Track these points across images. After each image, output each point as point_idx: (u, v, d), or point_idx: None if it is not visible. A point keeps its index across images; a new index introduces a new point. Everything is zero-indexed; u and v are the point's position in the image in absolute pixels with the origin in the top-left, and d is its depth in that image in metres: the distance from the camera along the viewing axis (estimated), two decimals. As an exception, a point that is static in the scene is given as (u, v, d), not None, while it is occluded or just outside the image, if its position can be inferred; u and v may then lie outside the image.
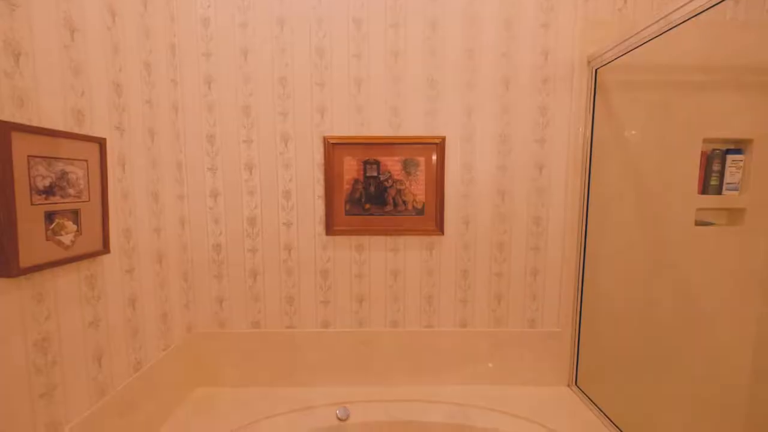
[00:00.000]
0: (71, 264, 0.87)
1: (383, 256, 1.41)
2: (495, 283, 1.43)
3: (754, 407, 1.38)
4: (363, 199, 1.37)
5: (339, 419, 1.31)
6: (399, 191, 1.37)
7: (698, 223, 1.38)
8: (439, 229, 1.38)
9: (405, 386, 1.45)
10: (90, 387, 0.94)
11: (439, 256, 1.41)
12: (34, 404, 0.79)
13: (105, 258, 0.98)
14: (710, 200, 1.38)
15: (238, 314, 1.42)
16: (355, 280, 1.42)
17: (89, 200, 0.89)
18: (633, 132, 1.38)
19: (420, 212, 1.38)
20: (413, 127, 1.36)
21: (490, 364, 1.47)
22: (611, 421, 1.24)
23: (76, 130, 0.87)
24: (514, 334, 1.45)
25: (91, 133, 0.91)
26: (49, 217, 0.79)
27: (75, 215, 0.86)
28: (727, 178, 1.40)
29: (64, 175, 0.82)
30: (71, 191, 0.84)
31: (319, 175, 1.36)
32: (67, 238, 0.83)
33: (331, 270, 1.41)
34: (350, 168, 1.36)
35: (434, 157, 1.35)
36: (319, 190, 1.37)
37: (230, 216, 1.38)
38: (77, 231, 0.86)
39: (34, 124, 0.77)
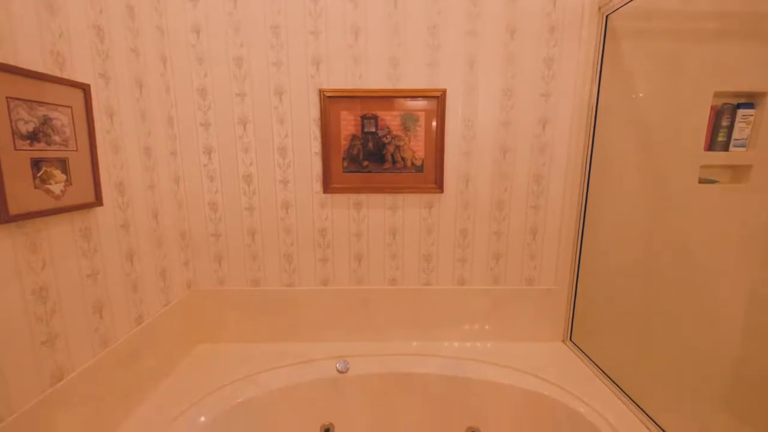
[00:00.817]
0: (64, 215, 0.85)
1: (382, 214, 1.40)
2: (494, 242, 1.43)
3: (742, 362, 1.42)
4: (361, 156, 1.34)
5: (339, 371, 1.35)
6: (398, 148, 1.33)
7: (702, 181, 1.36)
8: (439, 186, 1.36)
9: (403, 342, 1.48)
10: (92, 338, 0.95)
11: (438, 215, 1.40)
12: (37, 351, 0.80)
13: (98, 211, 0.96)
14: (716, 157, 1.34)
15: (237, 272, 1.43)
16: (353, 238, 1.42)
17: (77, 150, 0.86)
18: (641, 94, 1.33)
19: (419, 169, 1.35)
20: (413, 80, 1.30)
21: (487, 326, 1.49)
22: (604, 372, 1.28)
23: (57, 73, 0.83)
24: (511, 291, 1.46)
25: (73, 78, 0.86)
26: (36, 164, 0.77)
27: (63, 164, 0.83)
28: (736, 134, 1.36)
29: (47, 121, 0.79)
30: (57, 139, 0.81)
31: (316, 131, 1.32)
32: (56, 188, 0.81)
33: (329, 228, 1.40)
34: (347, 123, 1.31)
35: (435, 112, 1.31)
36: (316, 146, 1.33)
37: (225, 173, 1.35)
38: (67, 181, 0.84)
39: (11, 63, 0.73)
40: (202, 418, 1.11)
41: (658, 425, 1.03)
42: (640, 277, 1.40)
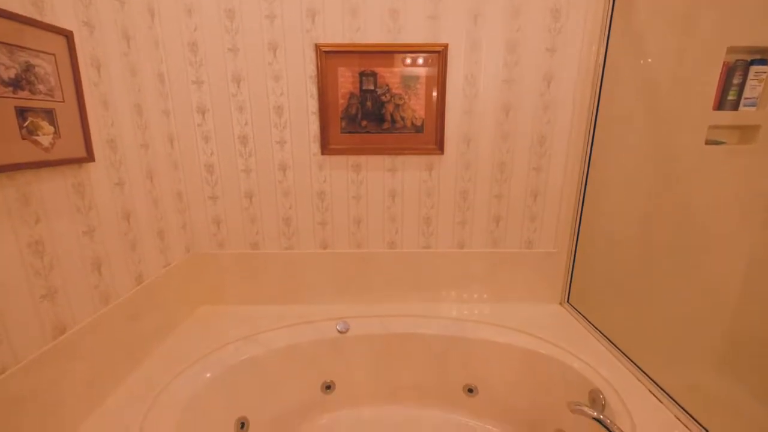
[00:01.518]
0: (54, 169, 0.83)
1: (381, 177, 1.37)
2: (494, 205, 1.42)
3: (736, 324, 1.44)
4: (359, 116, 1.30)
5: (339, 332, 1.37)
6: (397, 106, 1.29)
7: (708, 143, 1.33)
8: (439, 147, 1.33)
9: (402, 304, 1.50)
10: (93, 294, 0.96)
11: (438, 177, 1.38)
12: (37, 305, 0.80)
13: (91, 167, 0.94)
14: (725, 116, 1.30)
15: (236, 235, 1.43)
16: (352, 201, 1.40)
17: (64, 101, 0.83)
18: (650, 60, 1.27)
19: (419, 130, 1.32)
20: (413, 34, 1.24)
21: (485, 289, 1.51)
22: (600, 332, 1.30)
23: (37, 17, 0.78)
24: (510, 254, 1.46)
25: (54, 23, 0.82)
26: (22, 114, 0.74)
27: (50, 116, 0.80)
28: (747, 93, 1.32)
29: (30, 68, 0.75)
30: (41, 87, 0.78)
31: (312, 89, 1.28)
32: (45, 140, 0.79)
33: (327, 191, 1.39)
34: (345, 81, 1.27)
35: (436, 69, 1.25)
36: (313, 105, 1.29)
37: (220, 134, 1.31)
38: (55, 133, 0.81)
39: (-14, 4, 0.68)
40: (208, 374, 1.14)
41: (652, 380, 1.06)
42: (640, 240, 1.40)
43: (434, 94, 1.28)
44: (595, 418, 0.80)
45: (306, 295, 1.49)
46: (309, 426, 1.32)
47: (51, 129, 0.80)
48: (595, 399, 1.05)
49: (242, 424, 1.16)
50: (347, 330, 1.38)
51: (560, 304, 1.52)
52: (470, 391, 1.38)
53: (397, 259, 1.46)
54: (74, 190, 0.90)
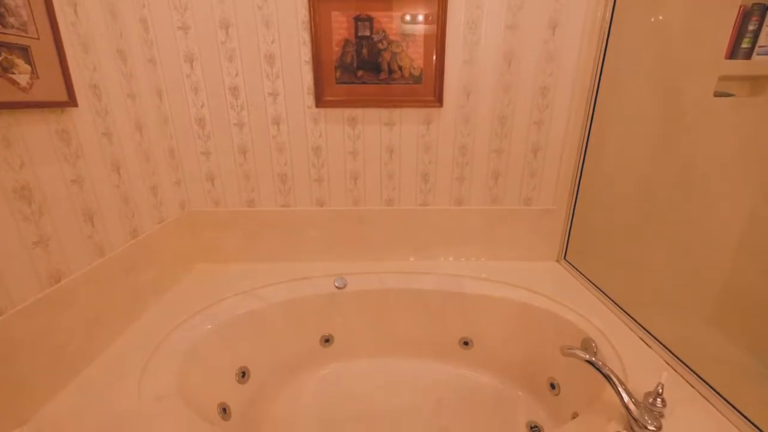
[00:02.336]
0: (35, 111, 0.80)
1: (378, 131, 1.34)
2: (494, 160, 1.39)
3: (730, 279, 1.46)
4: (355, 65, 1.24)
5: (337, 288, 1.39)
6: (394, 55, 1.23)
7: (717, 94, 1.28)
8: (438, 100, 1.28)
9: (399, 262, 1.50)
10: (87, 245, 0.95)
11: (437, 131, 1.34)
12: (30, 251, 0.80)
13: (75, 114, 0.90)
14: (736, 66, 1.25)
15: (232, 192, 1.41)
16: (348, 156, 1.37)
17: (39, 38, 0.78)
18: (661, 17, 1.19)
19: (417, 80, 1.26)
20: (411, -26, 1.16)
21: (483, 246, 1.50)
22: (595, 285, 1.31)
23: (1, -58, 0.72)
24: (509, 211, 1.45)
25: (22, -49, 0.76)
26: (-6, 50, 0.70)
27: (25, 54, 0.76)
28: (761, 41, 1.25)
29: (-2, -2, 0.70)
30: (12, 21, 0.73)
31: (305, 36, 1.21)
32: (21, 78, 0.75)
33: (323, 146, 1.35)
34: (339, 26, 1.20)
35: (436, 13, 1.18)
36: (306, 53, 1.23)
37: (210, 85, 1.26)
38: (33, 73, 0.77)
39: None
40: (208, 326, 1.15)
41: (644, 329, 1.07)
42: (640, 197, 1.38)
43: (434, 41, 1.21)
44: (587, 361, 0.82)
45: (303, 253, 1.49)
46: (309, 376, 1.36)
47: (27, 68, 0.76)
48: (588, 347, 1.07)
49: (243, 374, 1.20)
50: (345, 286, 1.39)
51: (557, 261, 1.53)
52: (466, 343, 1.41)
53: (394, 217, 1.45)
54: (59, 136, 0.86)
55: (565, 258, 1.51)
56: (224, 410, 1.05)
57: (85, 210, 0.94)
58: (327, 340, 1.41)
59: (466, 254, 1.51)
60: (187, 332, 1.10)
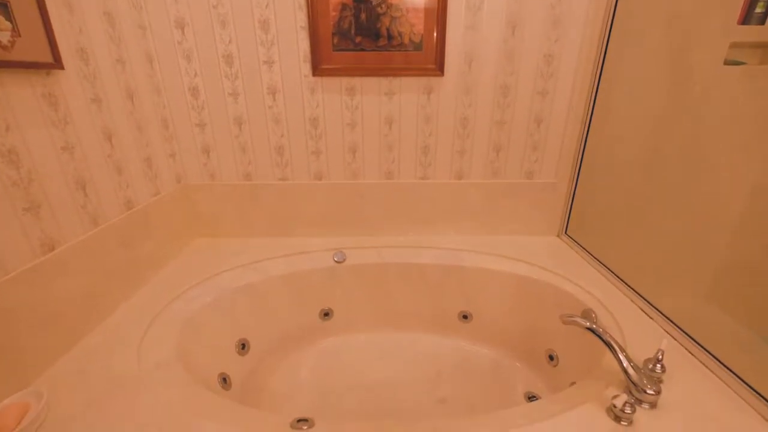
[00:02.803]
0: (19, 73, 0.77)
1: (377, 101, 1.30)
2: (495, 132, 1.35)
3: (731, 252, 1.45)
4: (353, 31, 1.19)
5: (336, 262, 1.38)
6: (394, 20, 1.18)
7: (727, 63, 1.24)
8: (439, 68, 1.24)
9: (399, 236, 1.49)
10: (80, 214, 0.93)
11: (437, 101, 1.30)
12: (21, 218, 0.78)
13: (61, 77, 0.87)
14: (749, 32, 1.20)
15: (228, 165, 1.38)
16: (347, 128, 1.34)
17: (19, -7, 0.74)
18: None
19: (418, 47, 1.22)
20: (412, -68, 1.10)
21: (483, 221, 1.49)
22: (596, 258, 1.30)
23: None
24: (510, 185, 1.43)
25: None
26: (-30, 3, 0.66)
27: (5, 10, 0.72)
28: (777, 5, 1.21)
29: (-28, -54, 0.66)
30: (-11, -28, 0.69)
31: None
32: (2, 36, 0.71)
33: (321, 117, 1.32)
34: (336, -11, 1.15)
35: (436, -26, 1.13)
36: (302, 18, 1.18)
37: (203, 52, 1.22)
38: (14, 30, 0.74)
39: None
40: (207, 298, 1.15)
41: (647, 301, 1.07)
42: (645, 170, 1.36)
43: (435, 5, 1.16)
44: (587, 328, 0.82)
45: (302, 227, 1.48)
46: (309, 349, 1.37)
47: (8, 25, 0.73)
48: (588, 317, 1.07)
49: (243, 345, 1.20)
50: (344, 260, 1.38)
51: (557, 235, 1.52)
52: (465, 317, 1.41)
53: (393, 191, 1.43)
54: (45, 100, 0.83)
55: (566, 233, 1.50)
56: (224, 380, 1.06)
57: (77, 178, 0.92)
58: (326, 314, 1.41)
59: (465, 229, 1.50)
60: (185, 304, 1.10)
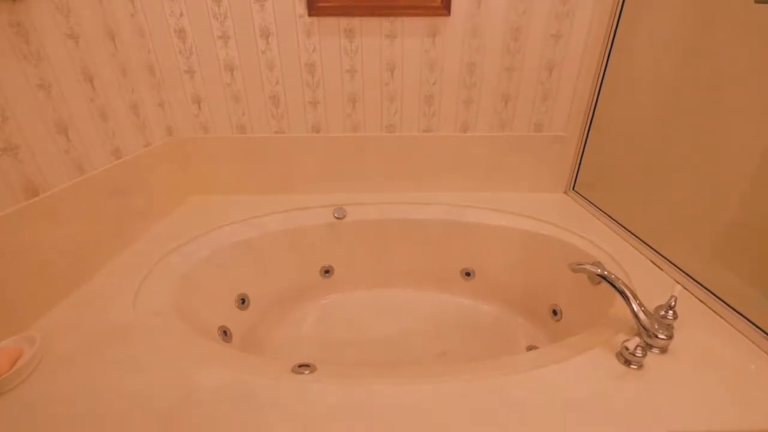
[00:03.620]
0: (-20, -5, 0.69)
1: (378, 45, 1.21)
2: (504, 80, 1.27)
3: (742, 210, 1.41)
4: (351, -37, 1.09)
5: (336, 218, 1.34)
6: (397, -51, 1.07)
7: (758, 1, 1.14)
8: (445, 7, 1.14)
9: (400, 193, 1.44)
10: (64, 160, 0.87)
11: (443, 45, 1.21)
12: (-2, 159, 0.73)
13: (30, 5, 0.79)
14: (786, -36, 1.09)
15: (221, 117, 1.31)
16: (346, 75, 1.25)
17: None
18: None
19: (423, -18, 1.12)
20: None
21: (488, 176, 1.43)
22: (604, 213, 1.26)
23: None
24: (517, 138, 1.36)
25: None
26: None
27: None
28: (819, -68, 1.09)
29: None
30: None
31: (293, -76, 1.05)
32: (-46, -54, 0.63)
33: (318, 63, 1.23)
34: None
35: None
36: (295, -53, 1.07)
37: (188, -13, 1.12)
38: (-32, -58, 0.65)
39: None
40: (204, 252, 1.12)
41: (658, 253, 1.04)
42: (659, 121, 1.29)
43: (442, -69, 1.05)
44: (598, 274, 0.79)
45: (300, 184, 1.43)
46: (309, 305, 1.35)
47: (-39, -66, 0.64)
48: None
49: (243, 300, 1.18)
50: (344, 216, 1.34)
51: (565, 192, 1.47)
52: (467, 274, 1.39)
53: (395, 144, 1.37)
54: (14, 30, 0.76)
55: (573, 189, 1.45)
56: (225, 333, 1.05)
57: (56, 121, 0.86)
58: (327, 271, 1.39)
59: (470, 185, 1.44)
60: (182, 258, 1.07)
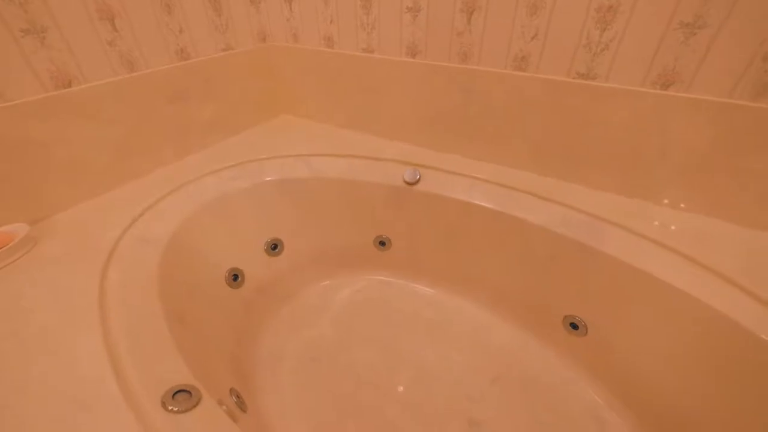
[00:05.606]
0: None
1: None
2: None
3: None
4: None
5: (406, 183, 0.99)
6: None
7: None
8: None
9: (513, 169, 0.95)
10: (107, 52, 0.81)
11: None
12: (19, 41, 0.69)
13: None
14: None
15: (310, 22, 1.06)
16: (464, -36, 0.77)
17: None
18: None
19: None
20: None
21: (685, 188, 0.76)
22: None
23: None
24: (739, 109, 0.63)
25: None
26: None
27: None
28: None
29: None
30: None
31: None
32: None
33: (425, -59, 0.79)
34: None
35: None
36: None
37: None
38: None
39: None
40: (246, 183, 0.99)
41: None
42: None
43: None
44: None
45: (384, 124, 1.10)
46: (352, 276, 1.13)
47: None
48: None
49: (275, 246, 1.05)
50: (417, 181, 0.98)
51: None
52: (574, 327, 0.87)
53: (527, 90, 0.84)
54: None
55: None
56: (235, 277, 0.94)
57: (99, 5, 0.78)
58: (382, 243, 1.10)
59: (639, 189, 0.82)
60: (218, 182, 0.97)
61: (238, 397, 0.71)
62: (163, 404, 0.48)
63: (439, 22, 0.87)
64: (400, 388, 0.87)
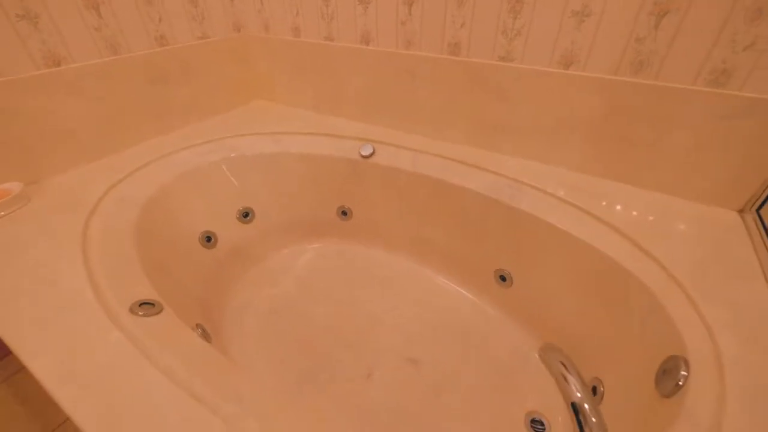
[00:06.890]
0: None
1: None
2: (667, -26, 0.67)
3: None
4: None
5: (361, 156, 1.11)
6: None
7: None
8: None
9: (451, 144, 1.07)
10: (93, 37, 0.93)
11: None
12: (14, 24, 0.80)
13: None
14: None
15: (278, 13, 1.18)
16: (402, -39, 0.90)
17: None
18: None
19: None
20: None
21: (594, 151, 0.89)
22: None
23: None
24: (668, 92, 0.76)
25: None
26: None
27: None
28: None
29: None
30: None
31: None
32: None
33: (369, -58, 0.91)
34: None
35: None
36: None
37: None
38: None
39: None
40: (217, 156, 1.11)
41: None
42: None
43: None
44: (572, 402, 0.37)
45: (347, 107, 1.23)
46: (316, 243, 1.25)
47: None
48: (675, 366, 0.54)
49: (246, 214, 1.17)
50: (371, 155, 1.10)
51: (740, 212, 0.80)
52: (502, 278, 0.99)
53: (458, 73, 0.97)
54: None
55: (758, 210, 0.77)
56: (208, 239, 1.06)
57: (85, -5, 0.89)
58: (344, 213, 1.23)
59: (558, 156, 0.94)
60: (193, 155, 1.09)
61: (203, 330, 0.83)
62: (131, 310, 0.59)
63: (385, 13, 0.99)
64: (351, 333, 0.99)
